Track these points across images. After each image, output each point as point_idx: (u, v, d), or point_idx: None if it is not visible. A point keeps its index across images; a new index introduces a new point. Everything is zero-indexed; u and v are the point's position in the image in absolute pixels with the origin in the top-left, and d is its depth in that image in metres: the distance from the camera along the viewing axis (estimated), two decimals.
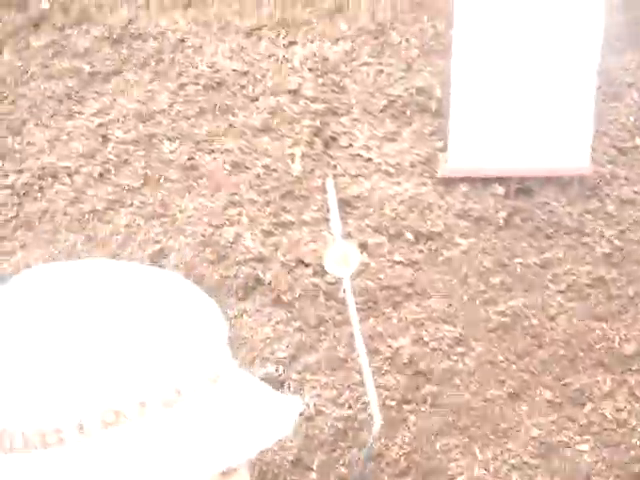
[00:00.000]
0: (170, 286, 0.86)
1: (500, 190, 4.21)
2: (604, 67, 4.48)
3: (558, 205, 4.27)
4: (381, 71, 4.36)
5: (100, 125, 4.24)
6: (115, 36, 4.35)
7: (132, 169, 4.20)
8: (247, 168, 4.12)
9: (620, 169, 4.41)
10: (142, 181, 4.18)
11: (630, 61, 4.61)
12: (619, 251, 4.28)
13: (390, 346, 4.11)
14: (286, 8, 4.45)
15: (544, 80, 4.18)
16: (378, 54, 4.40)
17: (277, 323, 4.10)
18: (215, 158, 4.12)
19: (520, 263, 4.18)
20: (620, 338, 4.21)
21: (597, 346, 4.20)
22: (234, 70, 4.31)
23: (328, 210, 4.04)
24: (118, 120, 4.24)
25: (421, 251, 4.09)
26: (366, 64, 4.36)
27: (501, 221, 4.19)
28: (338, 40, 4.41)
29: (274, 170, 4.09)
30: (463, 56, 4.10)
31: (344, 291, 3.92)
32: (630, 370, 4.21)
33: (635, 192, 4.40)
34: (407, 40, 4.45)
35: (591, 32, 4.17)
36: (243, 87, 4.29)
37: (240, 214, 4.07)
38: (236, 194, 4.10)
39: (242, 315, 4.08)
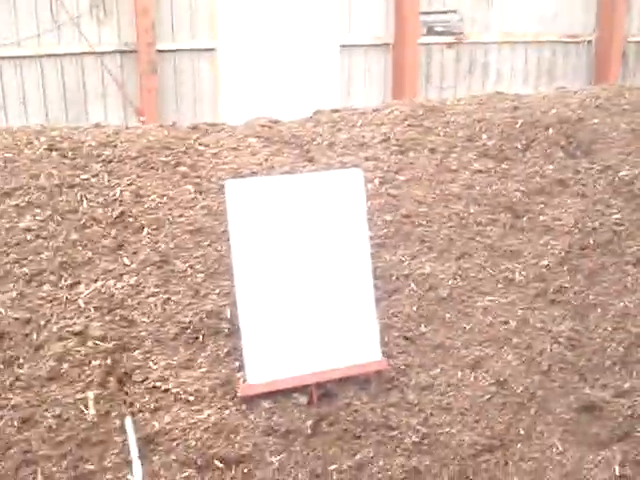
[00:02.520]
0: None
1: (302, 399, 4.24)
2: (380, 264, 4.78)
3: (361, 404, 4.35)
4: (169, 299, 4.39)
5: None
6: None
7: None
8: (38, 422, 3.90)
9: (413, 358, 4.60)
10: None
11: (404, 255, 4.95)
12: (427, 438, 4.37)
13: None
14: (66, 250, 4.45)
15: (324, 283, 4.37)
16: (164, 283, 4.45)
17: None
18: (2, 416, 3.88)
19: (335, 469, 4.15)
20: None
21: None
22: (16, 319, 4.19)
23: (129, 451, 3.87)
24: None
25: (233, 477, 3.98)
26: (153, 295, 4.39)
27: (309, 430, 4.18)
28: (122, 275, 4.43)
29: (67, 419, 3.91)
30: (245, 275, 4.23)
31: None
32: None
33: (432, 377, 4.57)
34: (192, 266, 4.56)
35: (358, 235, 4.46)
36: (27, 335, 4.15)
37: (34, 473, 3.81)
38: (28, 452, 3.85)
39: None
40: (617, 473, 4.39)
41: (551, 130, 5.84)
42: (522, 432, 4.47)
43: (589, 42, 12.97)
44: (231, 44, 9.28)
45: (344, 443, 4.22)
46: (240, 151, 5.18)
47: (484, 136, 5.72)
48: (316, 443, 4.17)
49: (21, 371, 4.04)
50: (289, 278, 4.30)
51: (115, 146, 4.92)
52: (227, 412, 4.12)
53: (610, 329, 4.92)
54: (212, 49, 10.30)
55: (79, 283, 4.36)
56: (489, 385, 4.57)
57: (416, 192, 5.24)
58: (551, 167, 5.66)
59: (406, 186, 5.26)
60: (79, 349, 4.11)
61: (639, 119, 6.22)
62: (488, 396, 4.53)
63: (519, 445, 4.43)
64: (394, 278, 4.79)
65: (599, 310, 4.99)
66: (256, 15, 8.84)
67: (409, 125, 5.71)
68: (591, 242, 5.27)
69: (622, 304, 5.03)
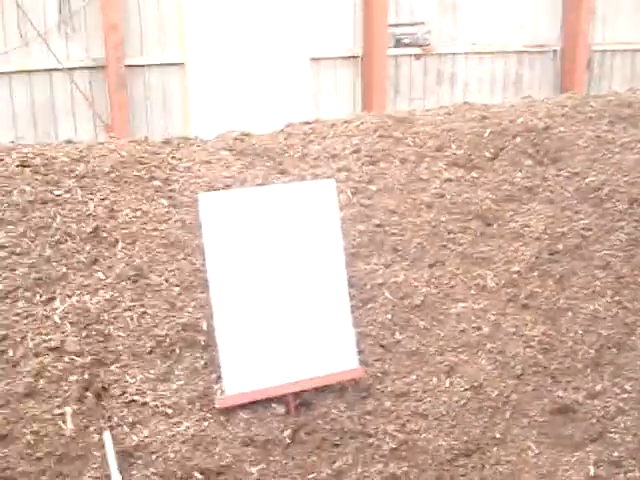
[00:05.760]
0: None
1: (280, 409, 4.27)
2: (354, 274, 4.83)
3: (338, 412, 4.39)
4: (145, 313, 4.40)
5: None
6: None
7: None
8: (16, 438, 3.89)
9: (388, 365, 4.65)
10: None
11: (377, 263, 5.00)
12: (404, 444, 4.42)
13: None
14: (40, 266, 4.45)
15: (299, 293, 4.42)
16: (140, 297, 4.46)
17: None
18: None
19: (313, 478, 4.18)
20: None
21: None
22: None
23: (109, 466, 3.87)
24: None
25: None
26: (129, 309, 4.40)
27: (287, 439, 4.21)
28: (97, 290, 4.44)
29: (45, 435, 3.90)
30: (220, 287, 4.26)
31: None
32: None
33: (407, 384, 4.63)
34: (167, 280, 4.57)
35: (333, 245, 4.51)
36: (3, 352, 4.14)
37: None
38: (7, 469, 3.83)
39: None
40: (592, 473, 4.47)
41: (519, 139, 5.95)
42: (498, 436, 4.54)
43: (554, 52, 13.18)
44: (200, 58, 9.31)
45: (322, 451, 4.26)
46: (213, 164, 5.21)
47: (453, 145, 5.81)
48: (295, 452, 4.20)
49: None
50: (264, 289, 4.35)
51: (88, 161, 4.93)
52: (206, 424, 4.14)
53: (581, 332, 5.02)
54: (181, 63, 10.32)
55: (54, 299, 4.36)
56: (464, 390, 4.63)
57: (388, 202, 5.31)
58: (519, 175, 5.75)
59: (378, 196, 5.33)
60: (56, 364, 4.11)
61: (604, 126, 6.35)
62: (463, 401, 4.60)
63: (495, 449, 4.49)
64: (368, 287, 4.85)
65: (570, 314, 5.09)
66: (225, 28, 8.88)
67: (379, 136, 5.78)
68: (560, 247, 5.37)
69: (592, 307, 5.13)
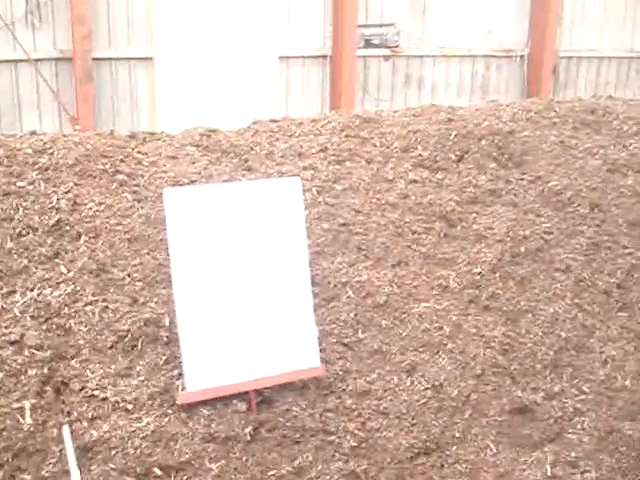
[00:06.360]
0: None
1: (241, 406, 4.27)
2: (318, 272, 4.85)
3: (299, 409, 4.40)
4: (106, 307, 4.37)
5: None
6: None
7: None
8: None
9: (350, 363, 4.67)
10: None
11: (341, 262, 5.03)
12: (365, 442, 4.44)
13: None
14: (1, 258, 4.40)
15: (262, 291, 4.42)
16: (102, 292, 4.43)
17: None
18: None
19: (274, 475, 4.18)
20: None
21: None
22: None
23: (67, 461, 3.84)
24: None
25: None
26: (90, 303, 4.36)
27: (248, 436, 4.21)
28: (59, 283, 4.40)
29: (3, 429, 3.85)
30: (183, 282, 4.24)
31: None
32: None
33: (369, 382, 4.65)
34: (129, 275, 4.55)
35: (297, 243, 4.51)
36: None
37: None
38: None
39: None
40: (549, 473, 4.54)
41: (483, 142, 6.01)
42: (457, 435, 4.58)
43: (522, 57, 13.34)
44: (168, 53, 9.27)
45: (283, 449, 4.26)
46: (178, 160, 5.19)
47: (419, 147, 5.85)
48: (255, 449, 4.20)
49: None
50: (228, 286, 4.34)
51: (52, 154, 4.88)
52: (166, 420, 4.12)
53: (541, 334, 5.09)
54: (149, 58, 10.26)
55: (15, 292, 4.31)
56: (425, 389, 4.67)
57: (353, 201, 5.33)
58: (484, 177, 5.82)
59: (343, 195, 5.35)
60: (15, 358, 4.06)
61: (568, 132, 6.46)
62: (424, 400, 4.63)
63: (454, 448, 4.53)
64: (332, 285, 4.86)
65: (530, 316, 5.16)
66: (194, 24, 8.85)
67: (346, 136, 5.81)
68: (522, 250, 5.44)
69: (552, 310, 5.20)
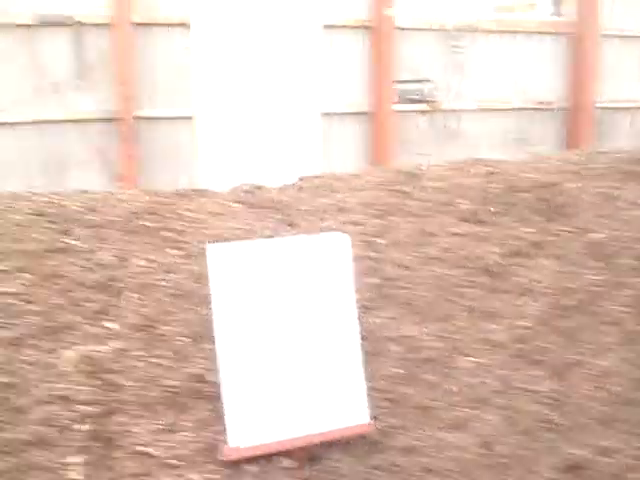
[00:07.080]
0: None
1: (287, 463, 4.22)
2: (363, 327, 4.83)
3: (346, 466, 4.34)
4: (153, 363, 4.40)
5: None
6: None
7: None
8: None
9: (396, 419, 4.61)
10: None
11: (386, 317, 5.01)
12: None
13: None
14: (52, 314, 4.46)
15: (309, 346, 4.40)
16: (148, 347, 4.46)
17: None
18: None
19: None
20: None
21: None
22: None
23: None
24: None
25: None
26: (137, 359, 4.39)
27: None
28: (106, 339, 4.44)
29: None
30: (227, 338, 4.24)
31: None
32: None
33: (415, 439, 4.58)
34: (175, 330, 4.58)
35: (345, 298, 4.51)
36: (8, 399, 4.12)
37: None
38: None
39: None
40: None
41: (526, 194, 6.00)
42: None
43: (560, 109, 13.34)
44: (209, 111, 9.44)
45: None
46: (224, 216, 5.26)
47: (461, 200, 5.86)
48: None
49: (3, 435, 3.99)
50: (273, 341, 4.33)
51: (100, 211, 4.98)
52: (212, 477, 4.09)
53: (590, 388, 4.98)
54: (190, 117, 10.45)
55: (63, 347, 4.35)
56: (472, 446, 4.58)
57: (396, 255, 5.33)
58: (526, 230, 5.79)
59: (387, 250, 5.36)
60: (62, 413, 4.08)
61: (610, 183, 6.42)
62: (472, 457, 4.54)
63: None
64: (377, 340, 4.84)
65: (579, 370, 5.06)
66: (235, 81, 9.02)
67: (388, 190, 5.84)
68: (569, 303, 5.37)
69: (601, 364, 5.10)
